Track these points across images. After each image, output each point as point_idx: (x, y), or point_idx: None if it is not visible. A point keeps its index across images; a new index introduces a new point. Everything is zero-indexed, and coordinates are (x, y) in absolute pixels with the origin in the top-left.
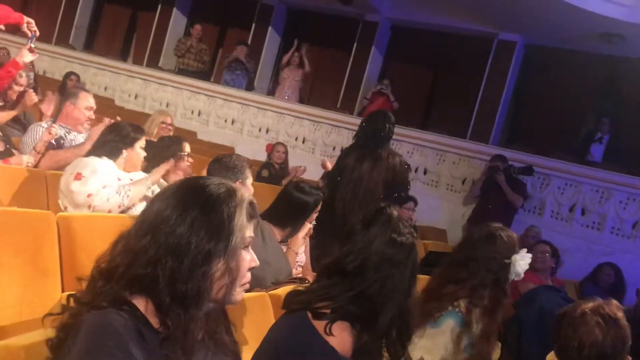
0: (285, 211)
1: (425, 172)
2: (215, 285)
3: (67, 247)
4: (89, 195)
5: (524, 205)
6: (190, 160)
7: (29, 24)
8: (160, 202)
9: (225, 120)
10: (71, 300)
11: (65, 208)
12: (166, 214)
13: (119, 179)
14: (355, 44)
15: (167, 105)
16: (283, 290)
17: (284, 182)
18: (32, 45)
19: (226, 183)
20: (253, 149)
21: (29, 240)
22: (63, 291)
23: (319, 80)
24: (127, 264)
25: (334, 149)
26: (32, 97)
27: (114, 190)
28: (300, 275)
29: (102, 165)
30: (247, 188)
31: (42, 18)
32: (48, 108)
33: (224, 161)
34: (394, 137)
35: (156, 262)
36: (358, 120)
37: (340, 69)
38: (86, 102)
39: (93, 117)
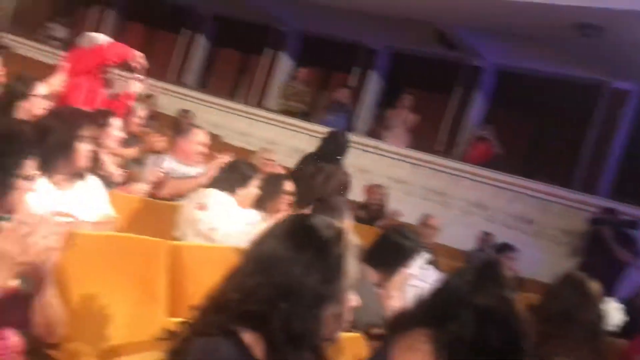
0: (382, 254)
1: (528, 222)
2: (326, 326)
3: (175, 274)
4: (211, 229)
5: (636, 263)
6: (290, 198)
7: (137, 57)
8: (273, 241)
9: None
10: (183, 326)
11: (186, 236)
12: (280, 253)
13: (236, 214)
14: (457, 88)
15: (271, 144)
16: (377, 332)
17: (380, 224)
18: (140, 77)
19: (334, 224)
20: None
21: (141, 266)
22: (169, 317)
23: (420, 123)
24: (240, 299)
25: (432, 192)
26: (160, 142)
27: (235, 229)
28: None
29: (223, 200)
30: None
31: (161, 58)
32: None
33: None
34: (493, 182)
35: (270, 300)
36: (459, 165)
37: (441, 112)
38: (198, 137)
39: (204, 151)
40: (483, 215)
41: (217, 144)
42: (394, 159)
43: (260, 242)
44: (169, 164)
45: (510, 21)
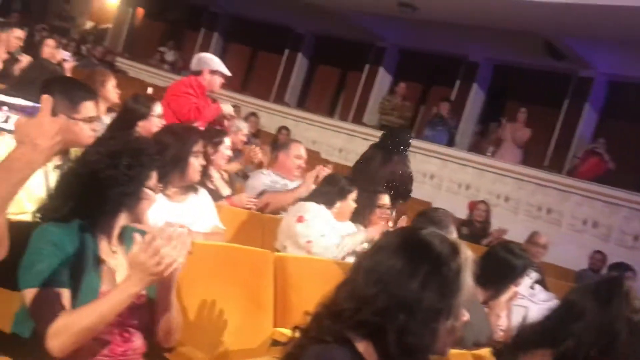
0: (490, 272)
1: None
2: (440, 341)
3: (280, 285)
4: (308, 242)
5: None
6: (387, 212)
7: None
8: (386, 254)
9: (424, 175)
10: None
11: (285, 248)
12: (397, 267)
13: (334, 227)
14: (566, 101)
15: None
16: (486, 351)
17: (484, 242)
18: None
19: (448, 238)
20: (451, 206)
21: (248, 275)
22: (275, 326)
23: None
24: (355, 308)
25: (539, 209)
26: (258, 154)
27: (332, 242)
28: (502, 339)
29: (321, 212)
30: None
31: (263, 78)
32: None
33: (430, 215)
34: (606, 198)
35: (386, 313)
36: (568, 181)
37: (549, 126)
38: (296, 151)
39: (303, 165)
40: (595, 233)
41: (315, 161)
42: (497, 174)
43: (373, 255)
44: (269, 177)
45: (622, 28)
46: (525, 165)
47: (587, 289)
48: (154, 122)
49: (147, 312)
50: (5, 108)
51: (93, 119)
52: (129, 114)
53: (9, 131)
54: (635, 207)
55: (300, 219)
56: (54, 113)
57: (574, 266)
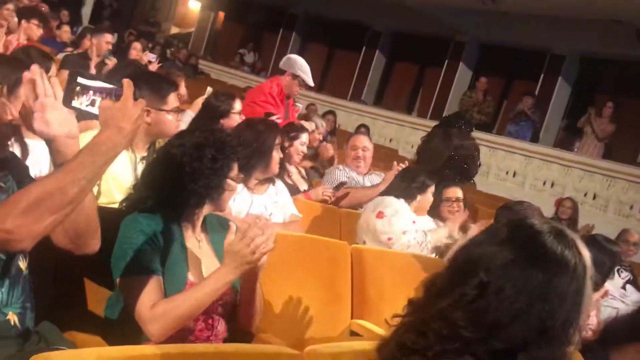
0: None
1: None
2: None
3: (358, 276)
4: (389, 239)
5: None
6: (455, 205)
7: None
8: (516, 267)
9: (507, 173)
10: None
11: (364, 242)
12: (533, 284)
13: (414, 222)
14: None
15: None
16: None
17: None
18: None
19: (569, 237)
20: (535, 203)
21: (326, 266)
22: (352, 317)
23: (616, 131)
24: (483, 337)
25: (631, 207)
26: (330, 150)
27: (413, 238)
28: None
29: (401, 207)
30: None
31: (341, 77)
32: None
33: (514, 209)
34: None
35: (523, 340)
36: None
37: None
38: (352, 142)
39: (360, 155)
40: None
41: (392, 158)
42: (585, 170)
43: (496, 269)
44: (345, 173)
45: None
46: (614, 161)
47: None
48: (235, 119)
49: (231, 299)
50: (90, 92)
51: (179, 110)
52: (211, 111)
53: (95, 115)
54: None
55: (380, 215)
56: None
57: None
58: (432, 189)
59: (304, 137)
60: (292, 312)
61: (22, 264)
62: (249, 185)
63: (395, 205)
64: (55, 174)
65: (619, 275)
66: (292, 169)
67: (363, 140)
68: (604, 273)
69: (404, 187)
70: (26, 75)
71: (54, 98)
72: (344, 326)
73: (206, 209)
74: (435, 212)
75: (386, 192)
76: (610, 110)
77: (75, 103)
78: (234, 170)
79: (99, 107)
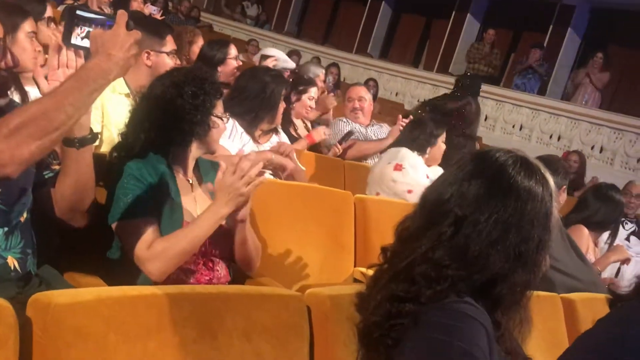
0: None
1: None
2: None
3: (361, 225)
4: (409, 191)
5: None
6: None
7: None
8: (491, 199)
9: (513, 126)
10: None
11: (377, 194)
12: (508, 212)
13: (427, 176)
14: None
15: None
16: (577, 295)
17: (576, 194)
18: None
19: (535, 165)
20: None
21: (330, 216)
22: (355, 265)
23: (625, 83)
24: (466, 274)
25: (638, 160)
26: (332, 100)
27: None
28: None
29: (416, 160)
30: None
31: (346, 30)
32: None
33: (550, 160)
34: None
35: (503, 272)
36: None
37: None
38: (348, 93)
39: (356, 105)
40: None
41: (399, 112)
42: (593, 123)
43: (475, 204)
44: (349, 125)
45: None
46: (624, 113)
47: None
48: (231, 64)
49: (227, 241)
50: (86, 25)
51: (176, 52)
52: (207, 60)
53: (87, 49)
54: None
55: (397, 167)
56: (142, 48)
57: None
58: (442, 137)
59: (313, 91)
60: (295, 260)
61: (22, 210)
62: (254, 136)
63: (411, 157)
64: (41, 99)
65: (623, 227)
66: (298, 122)
67: (359, 91)
68: (610, 221)
69: (415, 138)
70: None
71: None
72: (347, 274)
73: (195, 150)
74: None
75: (397, 144)
76: (601, 60)
77: (74, 40)
78: (218, 108)
79: (90, 35)
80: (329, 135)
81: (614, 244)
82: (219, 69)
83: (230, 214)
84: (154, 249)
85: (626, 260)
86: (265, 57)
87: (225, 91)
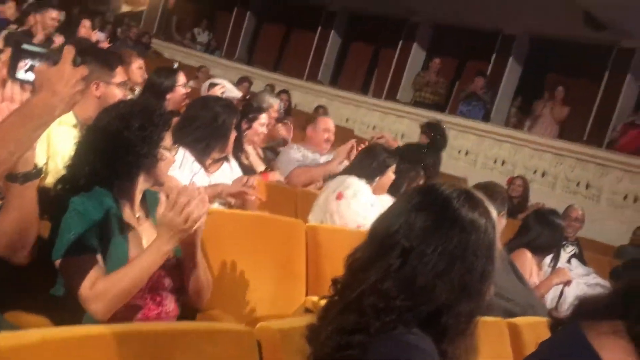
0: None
1: None
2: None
3: (312, 254)
4: (358, 226)
5: None
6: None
7: None
8: (436, 232)
9: (459, 152)
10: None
11: (322, 223)
12: (453, 244)
13: (372, 205)
14: (607, 73)
15: (402, 137)
16: (521, 320)
17: (520, 217)
18: None
19: (479, 198)
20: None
21: (281, 245)
22: (307, 295)
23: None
24: (412, 304)
25: (577, 184)
26: (281, 131)
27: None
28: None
29: (361, 189)
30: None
31: (297, 58)
32: (289, 134)
33: (487, 187)
34: None
35: (448, 302)
36: (608, 154)
37: (589, 99)
38: (324, 125)
39: (332, 138)
40: (636, 208)
41: (349, 138)
42: (535, 149)
43: (424, 236)
44: (300, 152)
45: None
46: (563, 139)
47: None
48: (180, 91)
49: (176, 274)
50: (29, 59)
51: (126, 84)
52: (155, 88)
53: (32, 83)
54: None
55: (339, 196)
56: (91, 79)
57: (614, 242)
58: (392, 168)
59: (263, 117)
60: (246, 290)
61: None
62: (205, 165)
63: (356, 186)
64: None
65: (564, 250)
66: (249, 149)
67: (332, 124)
68: (552, 244)
69: (365, 166)
70: None
71: None
72: (299, 304)
73: (142, 183)
74: (395, 189)
75: (348, 171)
76: (562, 94)
77: (19, 74)
78: (167, 139)
79: (34, 70)
80: (279, 162)
81: (557, 267)
82: (167, 96)
83: (181, 247)
84: (97, 288)
85: (568, 282)
86: (213, 85)
87: (174, 119)
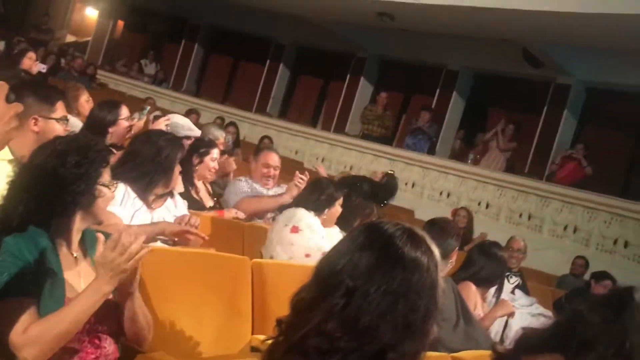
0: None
1: (626, 245)
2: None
3: (258, 291)
4: (307, 255)
5: None
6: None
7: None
8: (378, 274)
9: (406, 184)
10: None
11: (276, 257)
12: (396, 284)
13: (323, 238)
14: (545, 107)
15: (350, 168)
16: (466, 354)
17: (466, 248)
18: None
19: (421, 237)
20: (433, 213)
21: (226, 282)
22: (253, 333)
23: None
24: (356, 346)
25: (520, 215)
26: (232, 164)
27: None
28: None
29: (313, 222)
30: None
31: (246, 90)
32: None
33: (437, 223)
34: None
35: (393, 342)
36: (546, 186)
37: (529, 133)
38: (264, 159)
39: (272, 173)
40: (575, 238)
41: (298, 170)
42: (478, 181)
43: (369, 279)
44: (247, 185)
45: (598, 35)
46: (506, 172)
47: (598, 298)
48: (123, 124)
49: (115, 315)
50: None
51: (66, 119)
52: (97, 122)
53: None
54: (614, 211)
55: (294, 229)
56: (29, 114)
57: (556, 271)
58: (340, 201)
59: (215, 152)
60: (190, 330)
61: None
62: (148, 201)
63: (307, 218)
64: None
65: (508, 281)
66: (199, 184)
67: (276, 160)
68: (495, 277)
69: (313, 199)
70: None
71: None
72: (244, 342)
73: (80, 222)
74: (351, 224)
75: (295, 204)
76: (512, 130)
77: None
78: (105, 176)
79: None
80: (226, 195)
81: (500, 298)
82: (110, 130)
83: (118, 288)
84: (30, 333)
85: (511, 314)
86: (157, 116)
87: (118, 152)
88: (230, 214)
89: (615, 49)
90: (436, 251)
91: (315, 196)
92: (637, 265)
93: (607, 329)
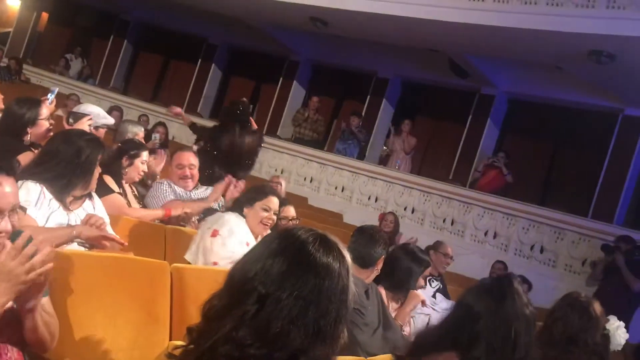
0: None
1: (542, 251)
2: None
3: (178, 297)
4: (214, 263)
5: None
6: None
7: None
8: (288, 281)
9: (336, 188)
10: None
11: (198, 262)
12: (305, 291)
13: (247, 244)
14: (470, 117)
15: (281, 172)
16: (380, 358)
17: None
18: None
19: (333, 242)
20: (361, 217)
21: (144, 287)
22: (170, 339)
23: (432, 151)
24: (267, 353)
25: (444, 220)
26: (158, 165)
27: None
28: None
29: (237, 227)
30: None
31: (176, 89)
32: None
33: (365, 230)
34: (505, 210)
35: (302, 347)
36: (470, 193)
37: (454, 140)
38: (177, 160)
39: (187, 174)
40: (495, 243)
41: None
42: (405, 186)
43: (277, 285)
44: (171, 188)
45: (521, 49)
46: (431, 178)
47: (480, 290)
48: (43, 125)
49: (18, 324)
50: None
51: None
52: (16, 120)
53: None
54: (532, 218)
55: (214, 233)
56: None
57: (477, 275)
58: (260, 204)
59: (145, 155)
60: (103, 336)
61: None
62: (65, 203)
63: (232, 224)
64: None
65: (430, 285)
66: (127, 187)
67: (189, 158)
68: (414, 277)
69: (240, 204)
70: None
71: None
72: (161, 348)
73: None
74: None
75: (231, 208)
76: (409, 127)
77: None
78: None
79: None
80: (149, 198)
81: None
82: (29, 130)
83: (17, 302)
84: None
85: (422, 302)
86: (76, 115)
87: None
88: (177, 209)
89: (536, 63)
90: (348, 257)
91: (243, 198)
92: (551, 270)
93: (491, 319)
